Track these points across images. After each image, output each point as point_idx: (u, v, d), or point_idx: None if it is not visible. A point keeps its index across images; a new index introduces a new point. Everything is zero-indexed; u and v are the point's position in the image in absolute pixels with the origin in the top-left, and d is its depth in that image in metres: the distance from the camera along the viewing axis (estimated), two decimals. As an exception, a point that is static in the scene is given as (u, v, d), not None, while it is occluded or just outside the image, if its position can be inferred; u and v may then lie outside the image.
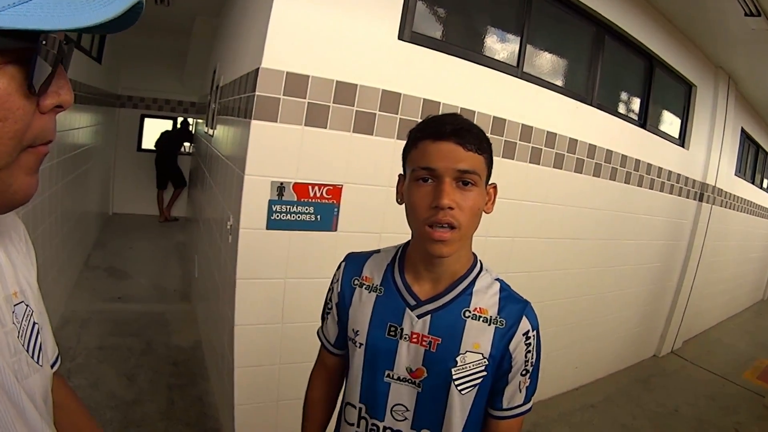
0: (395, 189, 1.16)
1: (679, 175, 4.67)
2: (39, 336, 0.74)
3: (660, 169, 4.33)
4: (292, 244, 2.24)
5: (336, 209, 2.29)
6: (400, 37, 2.37)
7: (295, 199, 2.19)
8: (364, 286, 1.19)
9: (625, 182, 3.89)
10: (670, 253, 5.00)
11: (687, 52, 4.39)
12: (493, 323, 1.08)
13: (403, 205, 1.10)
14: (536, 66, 3.09)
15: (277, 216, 2.17)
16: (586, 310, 3.99)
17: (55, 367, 0.85)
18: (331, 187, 2.26)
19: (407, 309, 1.12)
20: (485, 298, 1.11)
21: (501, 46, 2.92)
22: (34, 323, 0.74)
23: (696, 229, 5.22)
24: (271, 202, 2.15)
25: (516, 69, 2.91)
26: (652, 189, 4.27)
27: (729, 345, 6.36)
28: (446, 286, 1.11)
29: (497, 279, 1.15)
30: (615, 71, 3.73)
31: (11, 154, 0.53)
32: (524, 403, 1.13)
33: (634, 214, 4.14)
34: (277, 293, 2.28)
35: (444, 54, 2.52)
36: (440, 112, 2.48)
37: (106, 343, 3.79)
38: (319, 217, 2.26)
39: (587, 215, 3.62)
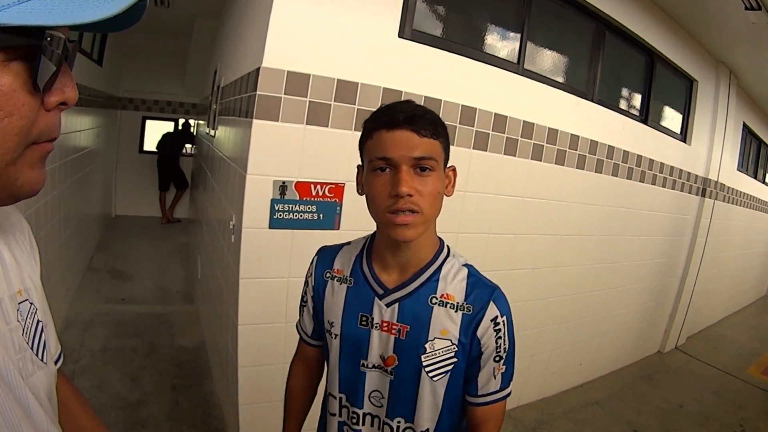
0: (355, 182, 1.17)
1: (681, 170, 4.66)
2: (43, 334, 0.74)
3: (662, 164, 4.32)
4: (295, 243, 2.24)
5: (338, 208, 2.29)
6: (401, 35, 2.37)
7: (298, 198, 2.19)
8: (336, 278, 1.22)
9: (627, 178, 3.88)
10: (673, 249, 4.99)
11: (688, 47, 4.38)
12: (461, 309, 1.10)
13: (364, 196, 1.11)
14: (537, 62, 3.09)
15: (280, 215, 2.17)
16: (590, 306, 3.99)
17: (58, 364, 0.85)
18: (333, 186, 2.26)
19: (376, 298, 1.14)
20: (452, 284, 1.12)
21: (501, 42, 2.92)
22: (39, 321, 0.74)
23: (699, 225, 5.21)
24: (273, 201, 2.15)
25: (517, 66, 2.90)
26: (654, 185, 4.27)
27: (733, 340, 6.34)
28: (412, 274, 1.13)
29: (465, 264, 1.16)
30: (616, 67, 3.72)
31: (16, 150, 0.54)
32: (501, 389, 1.14)
33: (636, 210, 4.13)
34: (280, 292, 2.28)
35: (444, 51, 2.52)
36: (441, 110, 2.49)
37: (110, 345, 3.81)
38: (321, 215, 2.26)
39: (590, 212, 3.62)
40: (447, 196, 1.10)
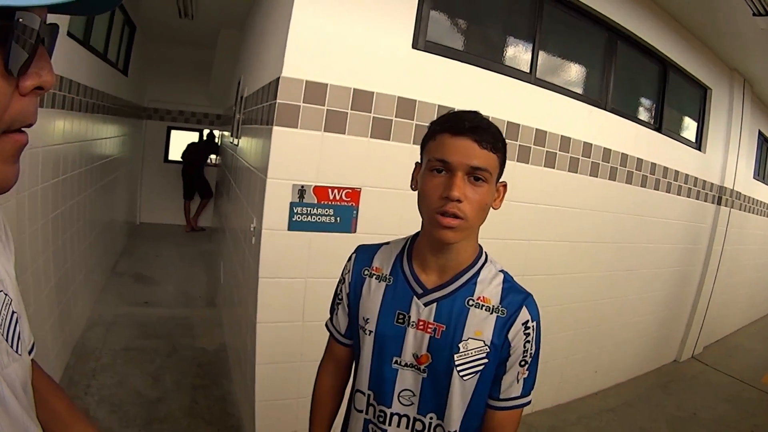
0: (411, 177, 1.21)
1: (696, 178, 4.66)
2: (17, 325, 0.73)
3: (677, 172, 4.33)
4: (313, 245, 2.33)
5: (355, 211, 2.38)
6: (414, 46, 2.46)
7: (316, 202, 2.28)
8: (374, 276, 1.24)
9: (641, 186, 3.91)
10: (689, 257, 4.98)
11: (701, 55, 4.39)
12: (495, 312, 1.13)
13: (416, 193, 1.16)
14: (549, 72, 3.15)
15: (298, 217, 2.26)
16: (605, 314, 4.00)
17: (32, 355, 0.84)
18: (350, 190, 2.35)
19: (414, 297, 1.17)
20: (489, 288, 1.15)
21: (513, 52, 2.98)
22: (13, 312, 0.72)
23: (715, 233, 5.19)
24: (292, 205, 2.24)
25: (529, 75, 2.97)
26: (669, 192, 4.28)
27: (749, 350, 6.29)
28: (452, 276, 1.16)
29: (501, 270, 1.20)
30: (628, 76, 3.76)
31: None
32: (521, 396, 1.16)
33: (651, 217, 4.15)
34: (298, 292, 2.37)
35: (457, 62, 2.61)
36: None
37: (132, 345, 3.90)
38: (338, 218, 2.35)
39: (604, 219, 3.65)
40: (494, 209, 1.14)
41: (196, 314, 4.72)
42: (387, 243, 1.31)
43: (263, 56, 2.98)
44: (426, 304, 1.16)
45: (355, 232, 2.40)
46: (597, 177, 3.46)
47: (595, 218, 3.57)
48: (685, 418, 4.05)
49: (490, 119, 2.68)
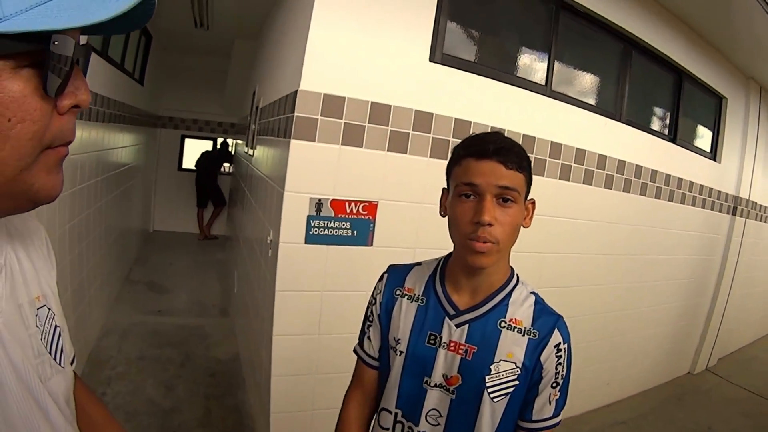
0: (434, 204, 1.22)
1: (711, 189, 4.63)
2: (60, 338, 0.76)
3: (691, 183, 4.30)
4: (330, 258, 2.33)
5: (372, 225, 2.38)
6: (432, 59, 2.46)
7: (333, 215, 2.29)
8: (406, 297, 1.24)
9: (655, 197, 3.88)
10: (703, 268, 4.93)
11: (716, 64, 4.36)
12: (527, 334, 1.13)
13: (446, 218, 1.17)
14: (565, 84, 3.15)
15: (315, 231, 2.27)
16: (619, 325, 3.97)
17: (73, 366, 0.87)
18: (367, 204, 2.36)
19: (447, 318, 1.17)
20: (521, 310, 1.15)
21: (529, 65, 2.98)
22: (56, 326, 0.75)
23: (730, 244, 5.14)
24: (309, 218, 2.25)
25: (545, 87, 2.97)
26: (683, 204, 4.25)
27: (765, 362, 6.19)
28: (484, 297, 1.16)
29: (533, 292, 1.20)
30: (643, 86, 3.74)
31: (31, 155, 0.54)
32: (553, 416, 1.15)
33: (665, 229, 4.11)
34: (315, 305, 2.37)
35: (474, 75, 2.61)
36: (471, 131, 2.57)
37: (146, 354, 3.92)
38: (355, 232, 2.35)
39: (618, 230, 3.63)
40: (524, 227, 1.14)
41: (210, 323, 4.73)
42: (419, 263, 1.31)
43: (280, 68, 3.00)
44: (458, 326, 1.16)
45: (371, 245, 2.40)
46: (611, 189, 3.45)
47: (609, 230, 3.55)
48: (699, 432, 4.01)
49: (506, 132, 2.70)
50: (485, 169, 1.06)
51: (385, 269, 1.34)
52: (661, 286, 4.34)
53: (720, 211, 4.90)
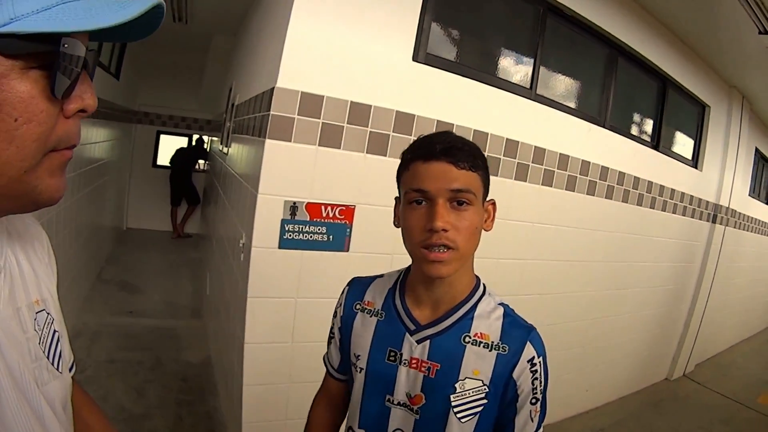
0: (393, 214, 1.14)
1: (692, 196, 4.64)
2: (59, 344, 0.75)
3: (673, 190, 4.30)
4: (304, 264, 2.24)
5: (348, 229, 2.29)
6: (415, 59, 2.39)
7: (308, 219, 2.19)
8: (366, 311, 1.18)
9: (637, 204, 3.87)
10: (682, 275, 4.95)
11: (700, 73, 4.38)
12: (495, 349, 1.05)
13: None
14: (549, 87, 3.10)
15: (290, 235, 2.17)
16: (598, 332, 3.95)
17: (72, 372, 0.86)
18: (344, 208, 2.27)
19: (407, 334, 1.10)
20: (487, 323, 1.07)
21: (514, 67, 2.93)
22: (55, 331, 0.75)
23: (709, 251, 5.17)
24: (283, 222, 2.16)
25: (529, 91, 2.92)
26: (665, 211, 4.25)
27: (743, 368, 6.25)
28: (446, 311, 1.09)
29: (501, 303, 1.12)
30: (628, 92, 3.73)
31: (35, 157, 0.55)
32: (536, 431, 1.09)
33: (647, 236, 4.11)
34: (288, 312, 2.28)
35: (458, 76, 2.54)
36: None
37: (117, 357, 3.81)
38: (331, 237, 2.26)
39: (599, 238, 3.60)
40: (486, 230, 1.07)
41: (182, 325, 4.63)
42: (381, 276, 1.24)
43: (257, 64, 2.90)
44: (419, 341, 1.08)
45: (348, 251, 2.31)
46: (594, 195, 3.41)
47: (590, 237, 3.52)
48: (679, 439, 3.99)
49: (490, 136, 2.63)
50: (434, 171, 0.98)
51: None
52: (641, 293, 4.34)
53: (700, 219, 4.92)
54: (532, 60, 2.95)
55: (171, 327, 4.55)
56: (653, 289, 4.52)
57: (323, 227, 2.24)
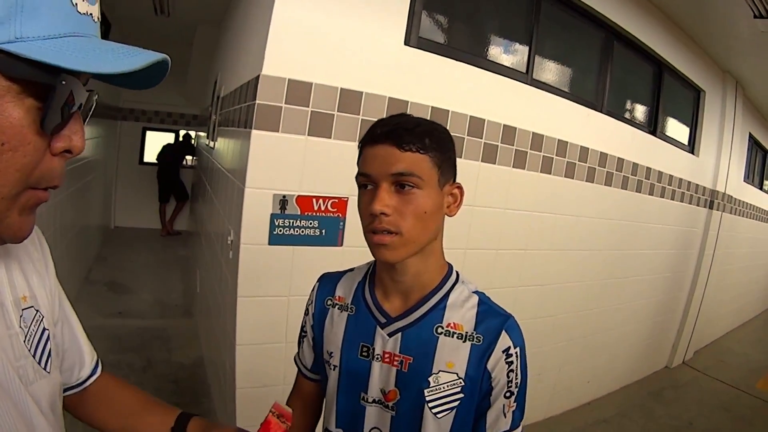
0: None
1: (689, 182, 4.61)
2: (48, 342, 0.75)
3: (671, 176, 4.26)
4: (296, 260, 2.15)
5: (341, 223, 2.20)
6: (407, 43, 2.30)
7: (299, 213, 2.10)
8: (337, 306, 1.14)
9: (636, 191, 3.82)
10: (681, 262, 4.93)
11: (695, 57, 4.34)
12: (469, 340, 1.00)
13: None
14: (546, 72, 3.02)
15: (280, 230, 2.08)
16: (598, 322, 3.90)
17: (97, 373, 0.97)
18: (336, 200, 2.17)
19: (378, 327, 1.06)
20: (460, 313, 1.02)
21: (510, 52, 2.86)
22: (44, 329, 0.75)
23: (707, 238, 5.15)
24: (273, 216, 2.06)
25: (525, 75, 2.83)
26: (663, 197, 4.21)
27: (741, 354, 6.26)
28: (416, 301, 1.04)
29: (476, 292, 1.06)
30: (624, 77, 3.67)
31: (15, 187, 0.53)
32: (511, 429, 1.02)
33: (645, 223, 4.07)
34: (281, 311, 2.19)
35: (452, 60, 2.45)
36: (449, 121, 2.41)
37: (107, 360, 3.58)
38: (323, 231, 2.17)
39: (599, 226, 3.54)
40: (448, 216, 1.02)
41: (173, 325, 4.56)
42: (352, 269, 1.20)
43: (242, 53, 2.80)
44: (390, 335, 1.04)
45: (341, 245, 2.22)
46: (593, 182, 3.35)
47: (590, 225, 3.46)
48: (680, 427, 3.98)
49: (487, 122, 2.53)
50: (377, 154, 0.94)
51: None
52: (640, 281, 4.30)
53: (698, 205, 4.90)
54: (528, 44, 2.88)
55: (161, 327, 4.49)
56: (652, 277, 4.48)
57: (315, 221, 2.14)
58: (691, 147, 4.69)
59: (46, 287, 0.80)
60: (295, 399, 1.27)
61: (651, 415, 4.10)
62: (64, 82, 0.52)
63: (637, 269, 4.20)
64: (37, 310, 0.74)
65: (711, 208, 5.10)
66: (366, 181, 0.96)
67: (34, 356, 0.71)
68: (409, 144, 0.93)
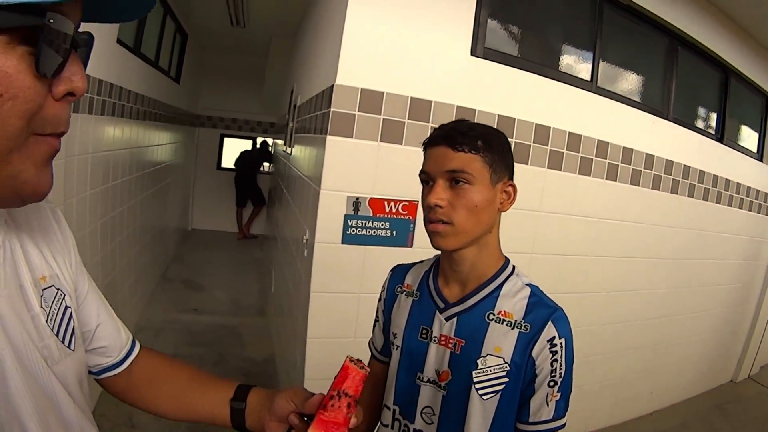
0: None
1: (758, 191, 4.46)
2: (72, 320, 0.75)
3: (738, 184, 4.14)
4: (367, 259, 2.27)
5: (412, 225, 2.30)
6: (473, 53, 2.37)
7: (371, 215, 2.22)
8: (404, 293, 1.27)
9: (703, 199, 3.74)
10: (748, 273, 4.76)
11: (763, 62, 4.19)
12: (517, 327, 1.08)
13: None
14: (610, 80, 3.03)
15: (353, 231, 2.20)
16: (662, 332, 3.83)
17: (134, 353, 0.93)
18: (407, 203, 2.28)
19: (437, 311, 1.16)
20: (512, 302, 1.11)
21: (574, 60, 2.88)
22: (66, 307, 0.74)
23: (776, 248, 4.95)
24: (346, 217, 2.18)
25: (590, 84, 2.86)
26: (730, 206, 4.09)
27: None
28: (472, 289, 1.14)
29: (529, 284, 1.14)
30: (690, 84, 3.60)
31: (19, 136, 0.52)
32: (553, 419, 1.06)
33: (712, 232, 3.97)
34: (351, 307, 2.30)
35: (517, 69, 2.51)
36: (515, 128, 2.48)
37: (179, 352, 3.90)
38: (394, 232, 2.28)
39: (665, 234, 3.49)
40: (501, 211, 1.13)
41: (246, 323, 4.71)
42: (421, 261, 1.33)
43: (316, 64, 2.95)
44: (447, 319, 1.15)
45: (411, 246, 2.32)
46: (659, 190, 3.31)
47: (655, 233, 3.41)
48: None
49: (552, 130, 2.58)
50: (435, 154, 1.08)
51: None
52: (706, 291, 4.18)
53: (766, 214, 4.72)
54: (591, 52, 2.89)
55: (235, 324, 4.64)
56: (718, 288, 4.35)
57: (386, 222, 2.25)
58: (760, 154, 4.53)
59: (67, 265, 0.79)
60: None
61: (713, 429, 3.98)
62: (52, 21, 0.50)
63: (703, 279, 4.09)
64: (58, 289, 0.73)
65: (780, 217, 4.90)
66: (426, 178, 1.10)
67: (57, 335, 0.70)
68: (462, 145, 1.05)
